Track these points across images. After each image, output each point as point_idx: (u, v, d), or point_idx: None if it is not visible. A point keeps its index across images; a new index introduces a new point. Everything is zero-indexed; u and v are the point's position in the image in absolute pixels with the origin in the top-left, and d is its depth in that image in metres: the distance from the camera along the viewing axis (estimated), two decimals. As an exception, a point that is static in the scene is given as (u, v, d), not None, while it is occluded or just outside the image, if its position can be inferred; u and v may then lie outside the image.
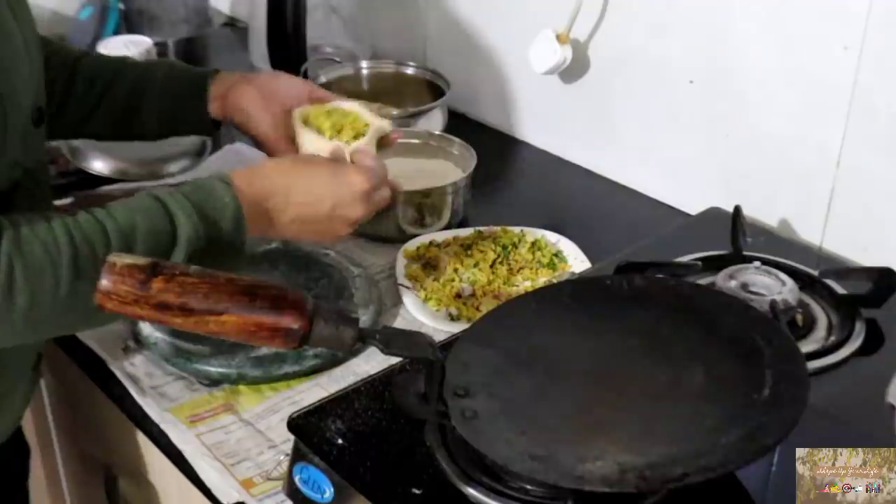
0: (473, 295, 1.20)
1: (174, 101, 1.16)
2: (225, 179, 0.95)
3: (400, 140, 1.42)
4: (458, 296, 1.19)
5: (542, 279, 1.22)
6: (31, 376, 1.07)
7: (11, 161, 0.91)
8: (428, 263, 1.25)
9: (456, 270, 1.23)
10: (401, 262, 1.26)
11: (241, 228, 0.94)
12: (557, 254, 1.27)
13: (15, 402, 1.05)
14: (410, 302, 1.19)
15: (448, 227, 1.33)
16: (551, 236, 1.30)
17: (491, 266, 1.24)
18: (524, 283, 1.22)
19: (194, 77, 1.17)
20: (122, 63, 1.20)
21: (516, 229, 1.31)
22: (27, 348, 1.04)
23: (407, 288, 1.21)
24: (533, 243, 1.28)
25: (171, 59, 1.18)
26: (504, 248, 1.26)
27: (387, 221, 1.31)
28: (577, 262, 1.26)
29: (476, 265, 1.23)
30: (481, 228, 1.31)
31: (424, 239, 1.30)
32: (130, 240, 0.88)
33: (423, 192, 1.31)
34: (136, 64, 1.21)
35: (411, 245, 1.28)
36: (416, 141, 1.43)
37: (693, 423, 0.83)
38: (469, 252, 1.25)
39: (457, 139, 1.41)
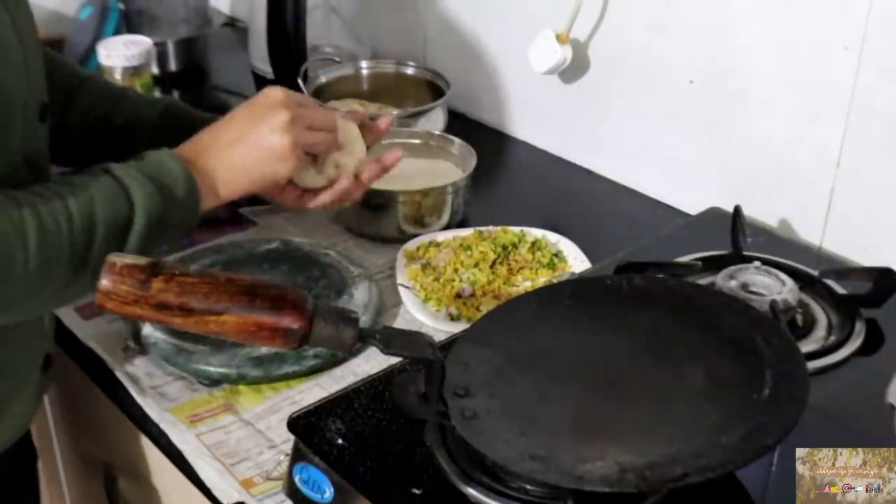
0: (473, 295, 1.20)
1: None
2: (169, 151, 0.97)
3: (400, 140, 1.43)
4: (458, 296, 1.19)
5: (542, 279, 1.22)
6: (39, 378, 1.06)
7: (15, 155, 0.92)
8: (428, 263, 1.25)
9: (456, 270, 1.23)
10: (401, 262, 1.26)
11: (195, 192, 0.96)
12: (557, 254, 1.27)
13: (23, 404, 1.04)
14: (410, 302, 1.19)
15: (448, 227, 1.33)
16: (551, 236, 1.30)
17: (491, 266, 1.24)
18: (524, 283, 1.22)
19: (190, 125, 1.09)
20: (121, 95, 1.16)
21: (516, 229, 1.31)
22: (35, 348, 1.04)
23: (407, 288, 1.21)
24: (533, 243, 1.28)
25: (173, 98, 1.11)
26: (504, 248, 1.26)
27: (387, 221, 1.31)
28: (577, 262, 1.26)
29: (476, 265, 1.23)
30: (481, 228, 1.31)
31: (424, 239, 1.30)
32: (91, 213, 0.89)
33: (423, 191, 1.31)
34: (135, 98, 1.17)
35: (411, 245, 1.28)
36: (416, 141, 1.43)
37: (693, 423, 0.83)
38: (469, 252, 1.25)
39: (457, 139, 1.41)
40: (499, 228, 1.31)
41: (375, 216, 1.32)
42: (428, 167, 1.40)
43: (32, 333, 1.01)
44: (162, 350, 1.10)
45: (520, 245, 1.28)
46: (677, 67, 1.37)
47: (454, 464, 0.84)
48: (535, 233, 1.31)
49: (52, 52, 1.12)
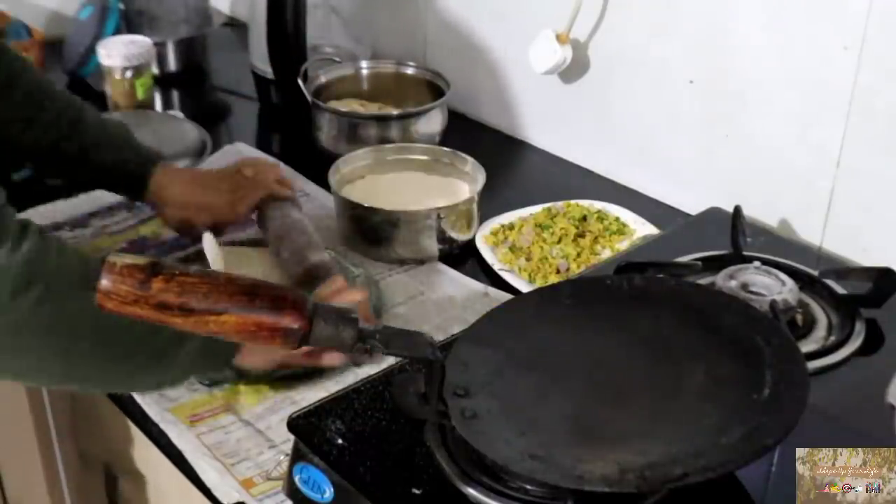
0: (569, 269, 1.24)
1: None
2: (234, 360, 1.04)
3: (397, 157, 1.41)
4: (558, 271, 1.24)
5: (620, 245, 1.28)
6: None
7: None
8: (514, 245, 1.29)
9: (541, 248, 1.27)
10: (489, 252, 1.29)
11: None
12: (618, 219, 1.34)
13: None
14: (519, 284, 1.22)
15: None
16: (611, 208, 1.37)
17: (573, 240, 1.29)
18: (604, 252, 1.27)
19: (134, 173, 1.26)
20: (73, 127, 1.24)
21: (583, 202, 1.37)
22: None
23: (509, 272, 1.25)
24: (597, 214, 1.35)
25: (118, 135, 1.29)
26: (580, 220, 1.32)
27: (427, 238, 1.28)
28: (640, 226, 1.33)
29: (559, 241, 1.28)
30: (548, 205, 1.36)
31: (495, 223, 1.34)
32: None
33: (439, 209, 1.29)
34: (86, 128, 1.25)
35: (486, 231, 1.32)
36: (421, 157, 1.41)
37: (693, 423, 0.83)
38: (550, 229, 1.30)
39: (447, 149, 1.39)
40: (563, 203, 1.36)
41: (406, 238, 1.28)
42: (430, 183, 1.39)
43: None
44: (162, 350, 1.10)
45: (588, 217, 1.34)
46: (677, 67, 1.37)
47: (454, 464, 0.84)
48: (597, 205, 1.37)
49: (44, 84, 1.24)
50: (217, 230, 1.24)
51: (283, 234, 1.22)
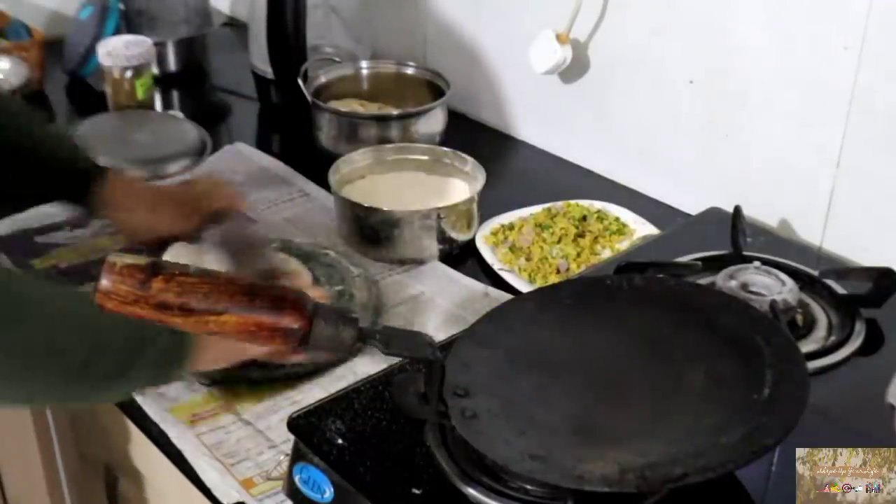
0: (569, 269, 1.24)
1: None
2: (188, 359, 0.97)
3: (397, 157, 1.41)
4: (558, 271, 1.24)
5: (620, 246, 1.28)
6: None
7: None
8: (514, 245, 1.29)
9: (541, 248, 1.27)
10: (489, 252, 1.28)
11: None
12: (618, 219, 1.34)
13: None
14: (519, 284, 1.22)
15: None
16: (612, 208, 1.36)
17: (573, 240, 1.29)
18: (604, 252, 1.27)
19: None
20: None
21: (583, 202, 1.37)
22: None
23: (509, 272, 1.25)
24: (597, 214, 1.34)
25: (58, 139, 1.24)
26: (581, 219, 1.32)
27: (427, 238, 1.28)
28: (640, 226, 1.32)
29: (559, 241, 1.28)
30: (548, 205, 1.36)
31: (495, 223, 1.33)
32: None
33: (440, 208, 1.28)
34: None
35: (486, 231, 1.32)
36: (421, 157, 1.40)
37: (693, 423, 0.83)
38: (550, 229, 1.30)
39: (447, 149, 1.39)
40: (563, 203, 1.36)
41: (403, 238, 1.28)
42: (430, 183, 1.38)
43: None
44: (162, 350, 1.10)
45: (588, 217, 1.33)
46: (677, 67, 1.36)
47: (454, 464, 0.84)
48: (597, 205, 1.37)
49: None
50: (168, 243, 1.20)
51: (227, 246, 1.19)
